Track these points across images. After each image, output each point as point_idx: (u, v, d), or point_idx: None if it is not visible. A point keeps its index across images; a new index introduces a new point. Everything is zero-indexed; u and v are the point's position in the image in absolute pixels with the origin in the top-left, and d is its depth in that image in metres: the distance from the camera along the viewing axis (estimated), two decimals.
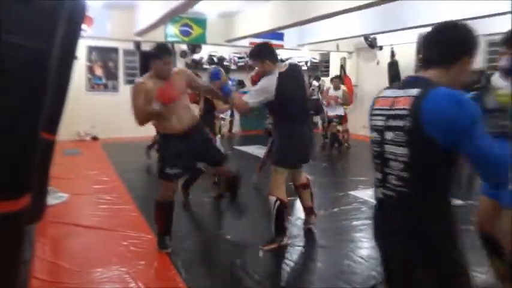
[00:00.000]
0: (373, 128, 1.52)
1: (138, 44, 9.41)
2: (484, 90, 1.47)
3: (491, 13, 5.84)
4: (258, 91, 3.22)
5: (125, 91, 7.59)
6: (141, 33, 8.15)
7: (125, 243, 3.48)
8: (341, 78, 8.57)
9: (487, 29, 7.15)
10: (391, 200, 1.46)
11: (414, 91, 1.36)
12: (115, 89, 9.93)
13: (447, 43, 1.43)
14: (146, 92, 3.12)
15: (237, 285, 2.92)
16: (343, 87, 8.38)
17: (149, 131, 4.91)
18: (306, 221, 3.82)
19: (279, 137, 3.40)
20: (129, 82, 8.73)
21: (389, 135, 1.42)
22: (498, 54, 2.29)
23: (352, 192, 5.22)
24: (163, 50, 3.22)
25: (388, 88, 1.52)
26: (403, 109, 1.36)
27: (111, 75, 10.00)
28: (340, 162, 7.96)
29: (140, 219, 4.08)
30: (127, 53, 9.98)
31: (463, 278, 1.44)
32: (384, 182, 1.47)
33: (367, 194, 5.11)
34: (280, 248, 3.39)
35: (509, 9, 5.54)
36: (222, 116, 4.88)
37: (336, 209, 4.60)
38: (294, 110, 3.28)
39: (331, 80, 8.79)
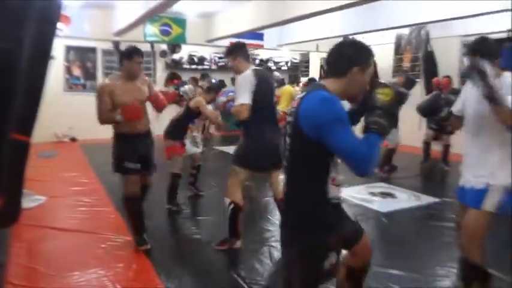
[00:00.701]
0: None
1: (116, 44, 9.29)
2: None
3: (467, 15, 5.98)
4: (241, 88, 3.18)
5: None
6: (120, 32, 8.06)
7: (104, 245, 3.44)
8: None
9: (463, 31, 7.36)
10: (285, 179, 1.76)
11: (303, 93, 1.64)
12: (93, 89, 9.75)
13: (339, 57, 1.67)
14: (111, 92, 3.29)
15: (216, 285, 2.92)
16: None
17: None
18: None
19: (247, 137, 3.32)
20: None
21: (288, 128, 1.69)
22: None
23: None
24: (133, 51, 3.36)
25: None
26: (294, 107, 1.64)
27: (90, 75, 9.85)
28: None
29: (119, 221, 4.04)
30: (105, 52, 9.85)
31: (315, 258, 1.66)
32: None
33: (345, 193, 5.16)
34: (234, 250, 3.40)
35: (483, 11, 5.71)
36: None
37: None
38: (266, 110, 3.26)
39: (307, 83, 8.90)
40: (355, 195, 5.08)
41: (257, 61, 11.30)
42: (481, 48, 2.23)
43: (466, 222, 2.32)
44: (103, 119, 3.33)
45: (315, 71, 11.22)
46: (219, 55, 10.85)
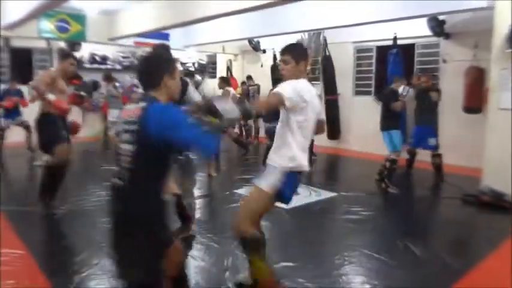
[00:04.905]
0: (115, 132, 1.97)
1: (6, 40, 8.51)
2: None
3: (359, 22, 6.49)
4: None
5: None
6: (10, 27, 7.39)
7: None
8: (226, 81, 8.60)
9: (355, 37, 7.97)
10: (121, 186, 1.84)
11: (142, 104, 1.83)
12: None
13: (150, 71, 1.92)
14: (51, 77, 4.03)
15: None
16: (228, 88, 8.45)
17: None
18: None
19: None
20: None
21: (124, 136, 1.84)
22: None
23: (237, 191, 5.37)
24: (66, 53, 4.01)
25: (129, 104, 2.03)
26: (134, 117, 1.81)
27: None
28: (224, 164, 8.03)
29: (9, 231, 3.72)
30: None
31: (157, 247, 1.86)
32: (119, 172, 1.87)
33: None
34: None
35: (372, 20, 6.24)
36: None
37: (221, 208, 4.73)
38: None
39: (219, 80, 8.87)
40: None
41: None
42: (293, 50, 2.60)
43: (246, 197, 2.63)
44: (40, 87, 3.94)
45: (222, 72, 11.31)
46: (122, 54, 10.45)
